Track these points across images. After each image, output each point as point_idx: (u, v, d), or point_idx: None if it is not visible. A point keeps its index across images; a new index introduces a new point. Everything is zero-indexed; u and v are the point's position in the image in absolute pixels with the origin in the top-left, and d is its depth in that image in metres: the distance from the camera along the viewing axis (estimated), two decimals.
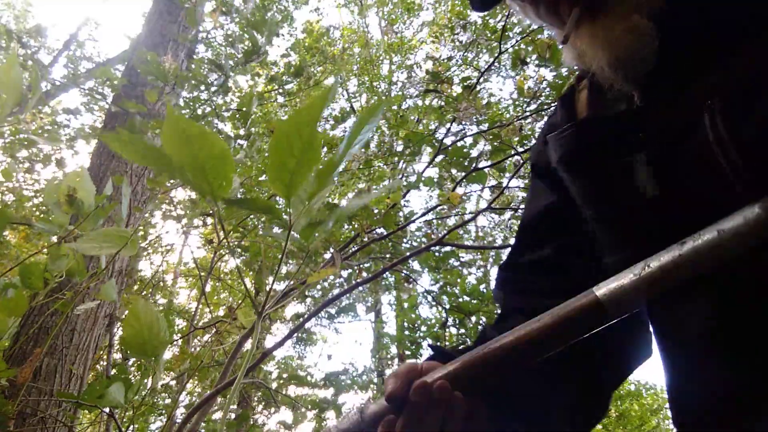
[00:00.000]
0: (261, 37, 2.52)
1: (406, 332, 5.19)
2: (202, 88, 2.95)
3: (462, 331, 3.99)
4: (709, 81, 0.52)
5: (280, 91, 6.72)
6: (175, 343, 3.97)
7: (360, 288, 6.36)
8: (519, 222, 0.79)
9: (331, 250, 3.24)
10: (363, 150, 4.28)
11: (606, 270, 0.58)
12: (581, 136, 0.64)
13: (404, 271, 4.25)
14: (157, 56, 2.87)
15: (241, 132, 3.13)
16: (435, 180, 3.65)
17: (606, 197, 0.63)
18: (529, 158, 0.82)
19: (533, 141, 2.96)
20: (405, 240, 4.10)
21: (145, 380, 1.22)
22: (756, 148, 0.44)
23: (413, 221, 3.70)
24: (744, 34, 0.50)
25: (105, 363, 3.28)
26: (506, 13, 3.74)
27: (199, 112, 3.94)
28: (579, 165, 0.65)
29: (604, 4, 0.59)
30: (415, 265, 4.67)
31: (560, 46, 0.67)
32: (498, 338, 0.55)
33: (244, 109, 2.76)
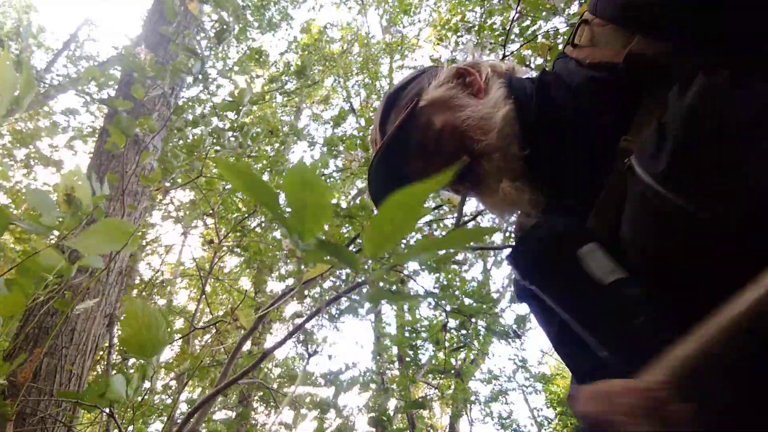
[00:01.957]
0: (227, 14, 2.53)
1: (407, 335, 5.20)
2: (198, 85, 2.95)
3: (463, 332, 3.99)
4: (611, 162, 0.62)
5: (279, 91, 6.72)
6: (174, 343, 3.97)
7: (360, 291, 6.36)
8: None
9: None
10: (363, 150, 4.28)
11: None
12: (532, 248, 0.71)
13: (404, 273, 4.25)
14: (155, 56, 2.87)
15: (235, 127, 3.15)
16: None
17: (576, 298, 0.65)
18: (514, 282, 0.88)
19: None
20: (405, 241, 4.10)
21: (145, 380, 1.22)
22: (672, 171, 0.52)
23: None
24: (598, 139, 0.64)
25: (105, 363, 3.28)
26: (510, 17, 3.74)
27: (199, 111, 3.94)
28: (540, 275, 0.69)
29: (480, 179, 0.76)
30: (415, 265, 4.66)
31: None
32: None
33: (236, 102, 2.77)
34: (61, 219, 1.07)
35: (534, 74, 0.81)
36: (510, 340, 3.56)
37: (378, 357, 6.84)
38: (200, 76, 2.59)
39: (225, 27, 2.50)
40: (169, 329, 0.91)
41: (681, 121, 0.51)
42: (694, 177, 0.50)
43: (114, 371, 3.04)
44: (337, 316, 6.10)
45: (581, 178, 0.67)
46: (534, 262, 0.69)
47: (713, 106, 0.50)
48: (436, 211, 3.78)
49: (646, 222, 0.57)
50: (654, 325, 0.56)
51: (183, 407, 4.81)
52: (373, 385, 6.02)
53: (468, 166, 0.75)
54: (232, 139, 3.17)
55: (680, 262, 0.55)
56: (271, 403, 5.61)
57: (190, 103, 4.17)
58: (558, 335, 0.74)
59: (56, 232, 1.10)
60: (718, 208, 0.49)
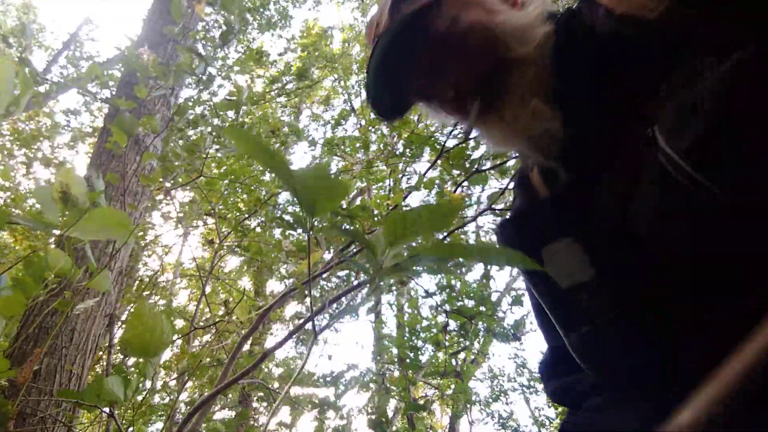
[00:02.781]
0: (232, 16, 2.53)
1: (406, 336, 5.19)
2: (199, 85, 2.95)
3: (462, 332, 3.99)
4: (638, 120, 0.55)
5: (279, 92, 6.72)
6: (174, 343, 3.96)
7: (360, 291, 6.36)
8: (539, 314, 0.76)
9: (319, 238, 3.23)
10: (363, 152, 4.28)
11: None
12: (520, 232, 0.67)
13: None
14: (156, 56, 2.86)
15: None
16: (436, 183, 3.64)
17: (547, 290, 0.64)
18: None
19: None
20: None
21: (145, 380, 1.22)
22: (699, 148, 0.48)
23: None
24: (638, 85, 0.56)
25: (105, 363, 3.28)
26: None
27: (199, 111, 3.94)
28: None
29: (501, 94, 0.64)
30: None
31: (469, 136, 0.72)
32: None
33: (235, 100, 2.77)
34: (63, 217, 1.07)
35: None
36: (510, 341, 3.56)
37: (378, 358, 6.84)
38: (204, 78, 2.59)
39: (230, 29, 2.50)
40: (171, 331, 0.91)
41: (713, 96, 0.47)
42: (722, 157, 0.47)
43: (114, 371, 3.03)
44: (336, 316, 6.10)
45: (600, 135, 0.60)
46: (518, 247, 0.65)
47: (751, 82, 0.46)
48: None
49: (662, 199, 0.52)
50: (599, 334, 0.57)
51: (183, 407, 4.81)
52: (373, 386, 6.02)
53: (489, 77, 0.65)
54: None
55: (687, 246, 0.51)
56: (272, 403, 5.61)
57: (190, 103, 4.17)
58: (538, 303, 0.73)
59: (57, 232, 1.10)
60: (743, 193, 0.46)
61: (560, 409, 9.49)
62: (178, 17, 2.27)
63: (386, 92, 0.74)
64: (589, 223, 0.59)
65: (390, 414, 5.82)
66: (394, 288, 6.15)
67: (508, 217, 0.72)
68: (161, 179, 2.76)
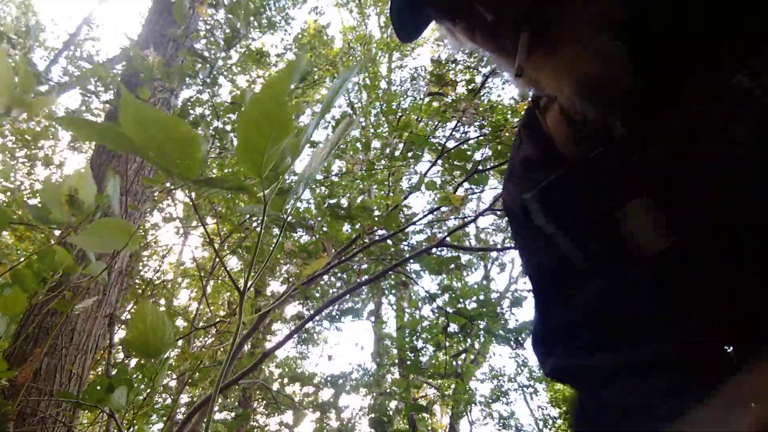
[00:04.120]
0: (238, 20, 2.52)
1: (407, 337, 5.19)
2: (198, 85, 2.96)
3: (462, 333, 3.98)
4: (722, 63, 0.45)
5: None
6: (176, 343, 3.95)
7: (360, 292, 6.37)
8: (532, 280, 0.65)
9: (326, 244, 3.23)
10: (364, 153, 4.28)
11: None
12: (578, 184, 0.54)
13: (403, 277, 4.25)
14: (159, 57, 2.86)
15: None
16: (437, 184, 3.64)
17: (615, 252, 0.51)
18: (504, 201, 0.69)
19: None
20: (406, 242, 4.10)
21: (153, 384, 1.21)
22: None
23: (414, 223, 3.70)
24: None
25: (105, 363, 3.27)
26: None
27: (199, 111, 3.94)
28: (577, 221, 0.54)
29: (557, 24, 0.51)
30: (416, 266, 4.66)
31: (511, 80, 0.55)
32: None
33: (239, 104, 2.77)
34: (73, 216, 1.07)
35: None
36: (511, 344, 3.55)
37: (378, 359, 6.83)
38: (209, 81, 2.59)
39: (235, 33, 2.50)
40: (174, 332, 0.91)
41: None
42: None
43: (114, 371, 3.03)
44: (337, 317, 6.10)
45: (675, 82, 0.48)
46: (585, 199, 0.53)
47: None
48: (437, 212, 3.78)
49: (751, 157, 0.42)
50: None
51: (183, 408, 4.81)
52: (374, 389, 6.02)
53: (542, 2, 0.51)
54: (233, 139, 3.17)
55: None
56: (273, 405, 5.61)
57: (189, 104, 4.17)
58: (541, 272, 0.62)
59: (58, 233, 1.10)
60: None
61: (563, 408, 9.48)
62: (181, 18, 2.26)
63: (404, 5, 0.60)
64: (659, 181, 0.48)
65: (390, 413, 5.82)
66: (394, 291, 6.15)
67: (541, 181, 0.55)
68: (164, 181, 2.76)
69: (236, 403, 6.33)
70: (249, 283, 0.66)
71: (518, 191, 0.62)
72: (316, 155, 0.62)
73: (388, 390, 5.33)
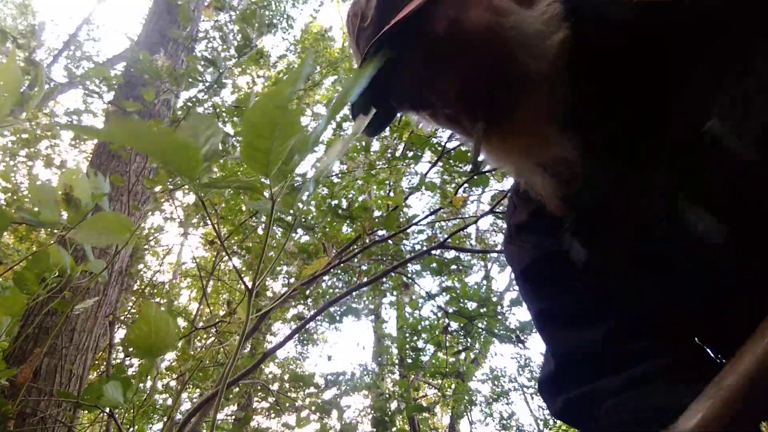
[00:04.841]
0: (252, 30, 2.53)
1: (407, 337, 5.18)
2: (200, 86, 2.96)
3: (463, 333, 3.98)
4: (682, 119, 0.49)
5: None
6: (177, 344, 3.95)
7: (361, 292, 6.37)
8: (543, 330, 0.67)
9: (327, 245, 3.24)
10: (364, 154, 4.28)
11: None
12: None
13: (404, 277, 4.25)
14: (158, 57, 2.87)
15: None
16: (438, 185, 3.64)
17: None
18: (512, 261, 0.72)
19: None
20: (407, 243, 4.10)
21: (146, 381, 1.21)
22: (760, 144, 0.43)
23: (415, 223, 3.70)
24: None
25: (105, 363, 3.28)
26: None
27: (199, 111, 3.94)
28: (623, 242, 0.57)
29: (508, 112, 0.55)
30: (417, 267, 4.66)
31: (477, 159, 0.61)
32: None
33: (243, 108, 2.77)
34: (65, 215, 1.07)
35: None
36: (513, 344, 3.55)
37: (379, 359, 6.84)
38: (216, 86, 2.59)
39: (248, 42, 2.49)
40: (176, 332, 0.91)
41: None
42: None
43: (114, 371, 3.03)
44: (338, 317, 6.10)
45: (625, 148, 0.53)
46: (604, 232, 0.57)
47: None
48: (436, 213, 3.78)
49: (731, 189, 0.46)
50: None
51: (183, 408, 4.81)
52: (375, 390, 6.01)
53: (495, 92, 0.55)
54: (237, 144, 3.16)
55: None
56: (273, 405, 5.61)
57: (189, 104, 4.17)
58: (551, 308, 0.64)
59: (56, 232, 1.10)
60: None
61: None
62: (185, 20, 2.26)
63: (368, 101, 0.62)
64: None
65: (390, 413, 5.81)
66: (395, 292, 6.15)
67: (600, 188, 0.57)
68: (166, 182, 2.76)
69: (236, 405, 6.34)
70: (257, 281, 0.67)
71: (520, 254, 0.69)
72: (331, 152, 0.63)
73: (389, 391, 5.33)
